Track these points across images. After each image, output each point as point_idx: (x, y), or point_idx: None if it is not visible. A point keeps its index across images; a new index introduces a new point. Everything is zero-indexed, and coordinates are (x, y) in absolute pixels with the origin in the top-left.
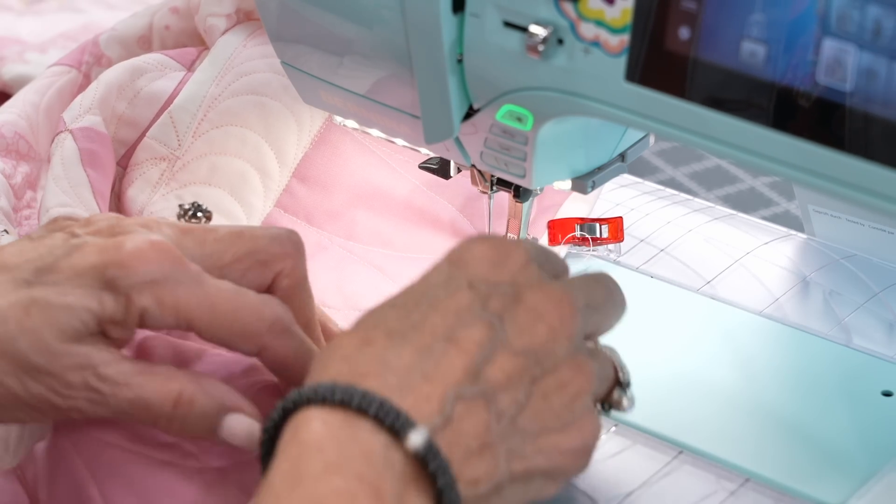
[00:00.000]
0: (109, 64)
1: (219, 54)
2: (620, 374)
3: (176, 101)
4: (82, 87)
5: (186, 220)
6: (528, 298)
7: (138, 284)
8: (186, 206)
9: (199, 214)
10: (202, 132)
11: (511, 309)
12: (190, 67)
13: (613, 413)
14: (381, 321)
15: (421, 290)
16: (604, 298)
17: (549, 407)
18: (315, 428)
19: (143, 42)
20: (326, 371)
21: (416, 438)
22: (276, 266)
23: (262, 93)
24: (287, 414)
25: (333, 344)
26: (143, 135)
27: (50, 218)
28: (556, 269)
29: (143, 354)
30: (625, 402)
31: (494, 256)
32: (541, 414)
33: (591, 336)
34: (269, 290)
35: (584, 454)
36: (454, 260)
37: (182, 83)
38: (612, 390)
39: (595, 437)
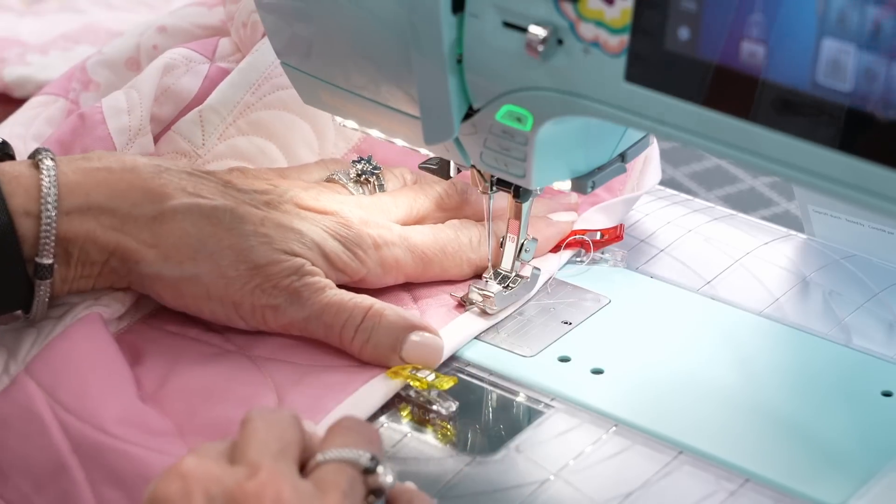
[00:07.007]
0: (98, 89)
1: (259, 60)
2: (360, 465)
3: (208, 100)
4: (70, 114)
5: (361, 182)
6: None
7: (365, 245)
8: (360, 167)
9: (371, 178)
10: (228, 136)
11: None
12: (212, 57)
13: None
14: None
15: None
16: (284, 425)
17: None
18: None
19: (132, 63)
20: None
21: None
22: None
23: (293, 110)
24: None
25: None
26: (167, 128)
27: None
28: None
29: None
30: (383, 479)
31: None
32: None
33: (315, 454)
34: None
35: None
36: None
37: (207, 78)
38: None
39: None
